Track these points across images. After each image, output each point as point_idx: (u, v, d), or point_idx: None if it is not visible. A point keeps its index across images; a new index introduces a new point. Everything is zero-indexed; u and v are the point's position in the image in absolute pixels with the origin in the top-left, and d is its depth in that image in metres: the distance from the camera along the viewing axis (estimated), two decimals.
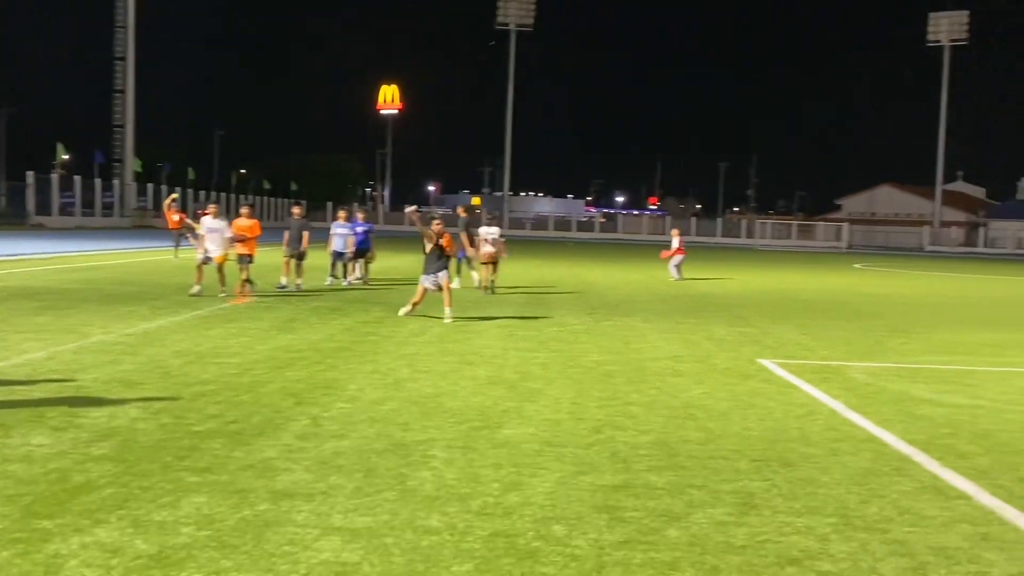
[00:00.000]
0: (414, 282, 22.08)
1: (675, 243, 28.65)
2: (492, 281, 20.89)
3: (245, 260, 17.38)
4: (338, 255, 21.51)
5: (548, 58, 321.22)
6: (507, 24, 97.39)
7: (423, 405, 8.46)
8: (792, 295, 24.56)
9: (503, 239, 21.95)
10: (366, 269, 22.36)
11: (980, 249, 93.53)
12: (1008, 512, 5.89)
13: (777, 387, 10.14)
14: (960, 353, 13.54)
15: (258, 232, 17.95)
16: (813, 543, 5.20)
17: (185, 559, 4.63)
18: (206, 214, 18.64)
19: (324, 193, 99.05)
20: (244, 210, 18.41)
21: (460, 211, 23.59)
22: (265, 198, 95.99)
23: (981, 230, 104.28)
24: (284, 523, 5.19)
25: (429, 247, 15.02)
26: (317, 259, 22.08)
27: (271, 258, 23.55)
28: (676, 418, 8.33)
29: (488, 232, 21.20)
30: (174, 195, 34.50)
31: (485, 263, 20.72)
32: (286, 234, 19.65)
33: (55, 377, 9.09)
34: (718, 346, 13.29)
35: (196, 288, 17.33)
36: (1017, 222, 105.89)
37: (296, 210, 20.86)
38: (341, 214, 22.51)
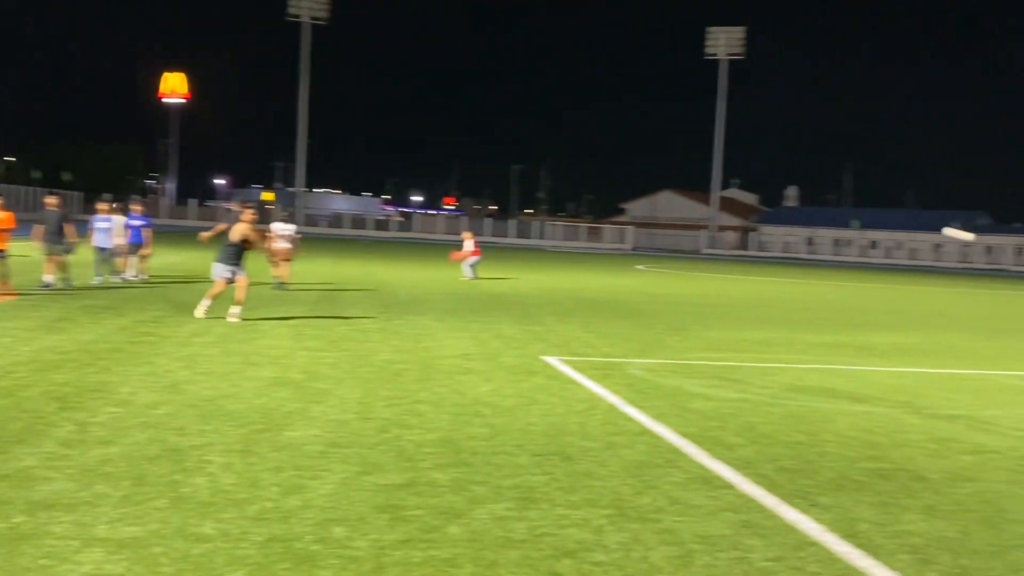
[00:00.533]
0: (197, 280, 21.42)
1: (468, 246, 28.91)
2: (282, 278, 20.53)
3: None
4: (101, 251, 19.99)
5: (345, 53, 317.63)
6: (299, 16, 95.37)
7: (202, 408, 8.13)
8: (579, 295, 25.30)
9: (299, 235, 21.67)
10: (143, 265, 21.23)
11: (751, 252, 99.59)
12: (768, 500, 6.26)
13: (560, 383, 10.40)
14: (730, 350, 14.35)
15: (12, 225, 16.80)
16: (589, 535, 5.35)
17: None
18: None
19: (102, 184, 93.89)
20: None
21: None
22: (35, 189, 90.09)
23: (752, 235, 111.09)
24: (42, 535, 4.85)
25: (236, 239, 14.51)
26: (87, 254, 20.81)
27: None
28: (463, 415, 8.39)
29: (282, 229, 20.90)
30: None
31: (278, 260, 20.34)
32: (40, 228, 18.14)
33: None
34: (506, 344, 13.51)
35: None
36: (784, 227, 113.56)
37: (51, 200, 18.93)
38: (102, 206, 20.91)
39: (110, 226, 19.82)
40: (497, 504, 5.82)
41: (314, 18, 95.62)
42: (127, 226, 20.28)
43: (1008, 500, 6.56)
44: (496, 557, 4.91)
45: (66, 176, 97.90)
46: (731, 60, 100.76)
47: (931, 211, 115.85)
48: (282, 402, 8.59)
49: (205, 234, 16.53)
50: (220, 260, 14.58)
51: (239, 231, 14.45)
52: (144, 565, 4.54)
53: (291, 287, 20.54)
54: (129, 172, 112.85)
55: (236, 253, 14.52)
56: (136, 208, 21.34)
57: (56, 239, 17.86)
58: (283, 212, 23.79)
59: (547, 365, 11.70)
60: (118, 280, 20.07)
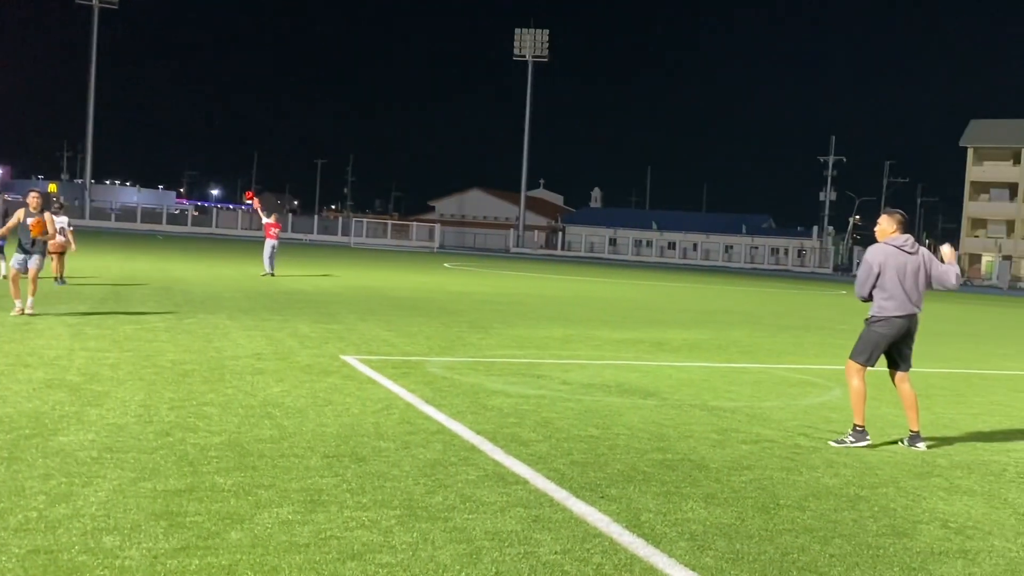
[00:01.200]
0: None
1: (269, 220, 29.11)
2: (61, 272, 19.53)
3: None
4: None
5: (135, 38, 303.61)
6: (89, 1, 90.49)
7: None
8: (382, 293, 25.14)
9: (71, 228, 20.65)
10: None
11: (558, 252, 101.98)
12: (559, 494, 6.36)
13: (357, 383, 10.27)
14: (532, 347, 14.60)
15: None
16: (377, 536, 5.28)
17: None
18: None
19: None
20: None
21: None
22: None
23: (560, 234, 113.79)
24: None
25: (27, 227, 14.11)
26: None
27: None
28: (252, 417, 8.14)
29: (55, 221, 19.78)
30: None
31: (54, 254, 19.30)
32: None
33: None
34: (302, 343, 13.24)
35: None
36: (589, 227, 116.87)
37: None
38: None
39: None
40: (283, 508, 5.66)
41: (103, 2, 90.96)
42: None
43: (781, 487, 6.94)
44: (279, 562, 4.77)
45: None
46: (537, 62, 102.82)
47: (722, 214, 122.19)
48: (55, 405, 8.07)
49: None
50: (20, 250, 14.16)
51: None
52: None
53: (69, 282, 19.56)
54: None
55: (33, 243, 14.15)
56: None
57: None
58: (56, 204, 22.41)
59: (344, 364, 11.54)
60: None
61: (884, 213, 8.81)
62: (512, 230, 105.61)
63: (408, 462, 6.97)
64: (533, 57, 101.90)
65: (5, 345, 11.16)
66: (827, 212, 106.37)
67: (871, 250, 8.64)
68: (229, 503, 5.68)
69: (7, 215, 18.99)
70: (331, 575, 4.66)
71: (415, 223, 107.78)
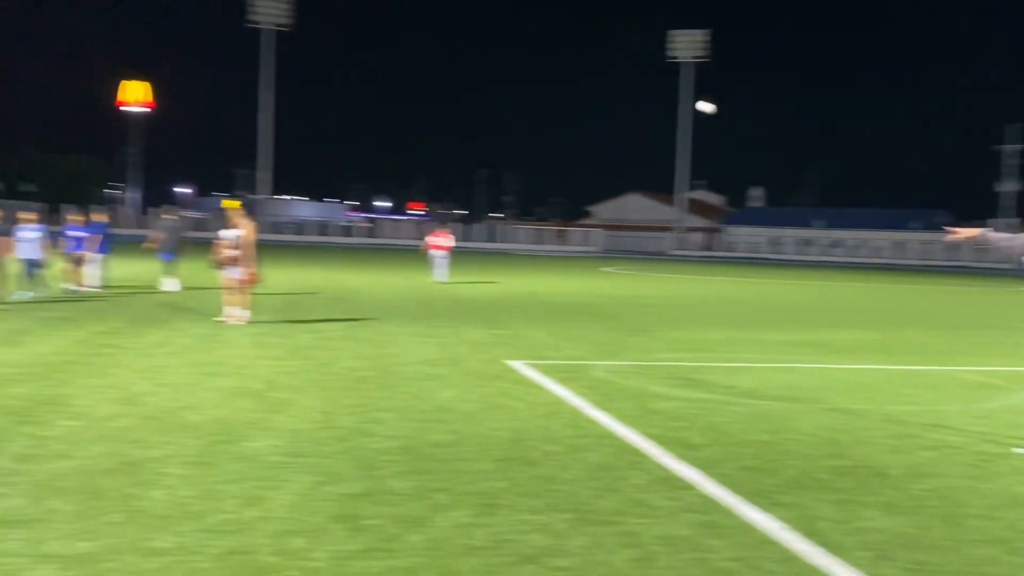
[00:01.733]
0: (152, 291, 21.25)
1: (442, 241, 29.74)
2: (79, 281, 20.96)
3: None
4: (29, 263, 18.62)
5: (308, 59, 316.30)
6: (259, 23, 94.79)
7: (161, 420, 8.03)
8: (545, 298, 25.30)
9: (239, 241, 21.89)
10: (78, 276, 20.52)
11: (718, 253, 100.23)
12: (730, 499, 6.26)
13: (525, 387, 10.37)
14: (694, 350, 14.39)
15: None
16: (550, 540, 5.32)
17: None
18: None
19: (62, 195, 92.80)
20: None
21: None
22: None
23: (719, 235, 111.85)
24: None
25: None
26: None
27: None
28: (425, 422, 8.34)
29: (229, 236, 21.04)
30: None
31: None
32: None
33: None
34: (471, 349, 13.47)
35: None
36: (750, 228, 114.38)
37: None
38: (26, 215, 19.44)
39: (39, 236, 18.72)
40: (458, 511, 5.77)
41: (277, 24, 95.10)
42: (64, 236, 20.07)
43: (967, 495, 6.61)
44: (457, 565, 4.87)
45: (27, 187, 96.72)
46: (695, 63, 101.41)
47: (892, 210, 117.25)
48: (242, 412, 8.49)
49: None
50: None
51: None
52: None
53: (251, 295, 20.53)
54: (89, 182, 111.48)
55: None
56: (75, 219, 21.01)
57: None
58: (230, 219, 23.98)
59: (511, 369, 11.67)
60: (71, 290, 19.78)
61: None
62: (671, 232, 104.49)
63: (577, 466, 6.99)
64: (691, 58, 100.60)
65: (195, 356, 11.81)
66: (1005, 204, 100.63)
67: None
68: (406, 506, 5.84)
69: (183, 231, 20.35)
70: None
71: (574, 228, 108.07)
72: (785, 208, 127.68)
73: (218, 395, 9.27)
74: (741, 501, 6.22)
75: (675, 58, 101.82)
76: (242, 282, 15.40)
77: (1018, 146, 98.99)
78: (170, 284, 22.01)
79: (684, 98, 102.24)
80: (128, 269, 26.75)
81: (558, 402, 9.58)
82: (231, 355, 11.96)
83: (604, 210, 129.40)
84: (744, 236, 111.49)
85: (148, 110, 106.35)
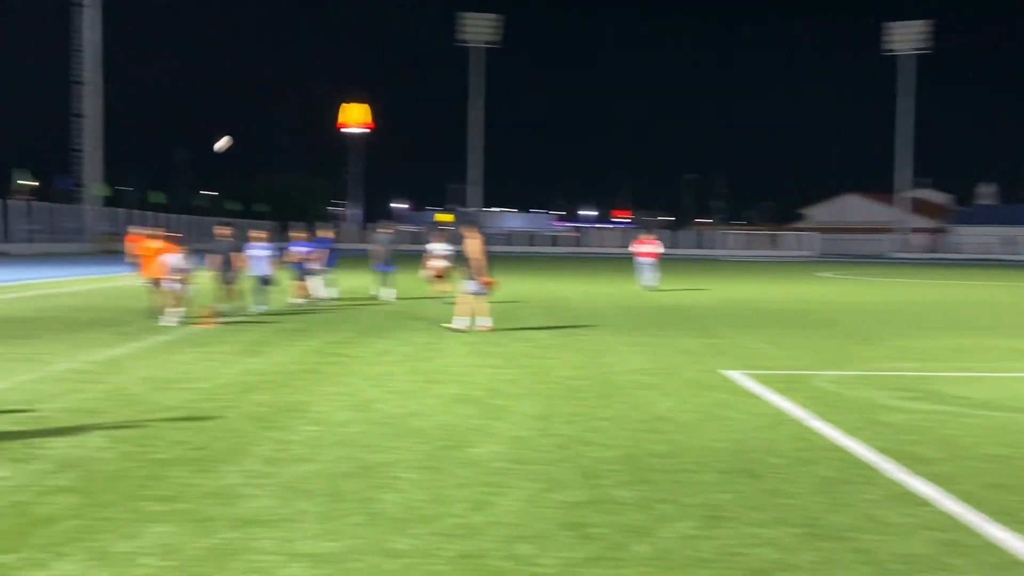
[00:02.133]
0: (374, 302, 22.24)
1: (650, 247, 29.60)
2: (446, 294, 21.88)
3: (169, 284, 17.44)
4: (260, 279, 19.62)
5: (513, 74, 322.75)
6: (468, 41, 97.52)
7: (390, 426, 8.42)
8: (758, 305, 24.71)
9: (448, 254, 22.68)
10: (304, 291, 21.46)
11: (944, 255, 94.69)
12: (971, 517, 5.93)
13: (743, 398, 10.18)
14: (921, 359, 13.69)
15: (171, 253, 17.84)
16: (780, 554, 5.21)
17: None
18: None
19: (290, 213, 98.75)
20: (151, 232, 18.53)
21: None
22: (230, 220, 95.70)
23: (945, 236, 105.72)
24: (248, 551, 5.14)
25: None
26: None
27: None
28: (643, 432, 8.34)
29: (436, 248, 22.14)
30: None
31: (436, 278, 21.82)
32: (215, 257, 18.81)
33: (16, 408, 8.96)
34: (684, 358, 13.34)
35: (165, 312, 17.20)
36: (980, 227, 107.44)
37: (223, 231, 19.54)
38: (257, 234, 20.58)
39: (268, 254, 19.73)
40: (683, 522, 5.75)
41: (486, 42, 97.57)
42: (290, 252, 21.27)
43: None
44: None
45: (260, 207, 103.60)
46: (914, 55, 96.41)
47: None
48: (465, 419, 8.77)
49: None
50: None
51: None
52: None
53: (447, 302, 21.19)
54: (315, 200, 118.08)
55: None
56: (299, 235, 22.11)
57: (227, 268, 18.48)
58: (436, 233, 25.36)
59: (728, 379, 11.48)
60: (296, 304, 20.89)
61: None
62: (892, 234, 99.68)
63: (804, 479, 6.81)
64: (910, 50, 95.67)
65: (419, 364, 12.29)
66: None
67: None
68: (630, 516, 5.87)
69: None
70: None
71: (788, 232, 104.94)
72: (1020, 205, 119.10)
73: (441, 402, 9.62)
74: (985, 519, 5.87)
75: (892, 51, 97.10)
76: (480, 290, 16.07)
77: None
78: (386, 294, 23.12)
79: (903, 92, 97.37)
80: (351, 281, 28.09)
81: (779, 413, 9.34)
82: (451, 363, 12.37)
83: (819, 212, 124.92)
84: (974, 236, 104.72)
85: (367, 131, 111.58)
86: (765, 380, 11.32)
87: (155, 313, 17.31)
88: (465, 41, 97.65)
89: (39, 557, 4.98)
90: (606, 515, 5.88)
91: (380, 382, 10.80)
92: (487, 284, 16.29)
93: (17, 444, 7.45)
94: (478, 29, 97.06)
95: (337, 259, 23.00)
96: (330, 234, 23.62)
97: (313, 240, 22.21)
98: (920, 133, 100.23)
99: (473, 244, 16.06)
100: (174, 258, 17.01)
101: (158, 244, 17.85)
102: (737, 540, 5.43)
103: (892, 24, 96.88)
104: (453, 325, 16.13)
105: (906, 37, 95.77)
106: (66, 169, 72.25)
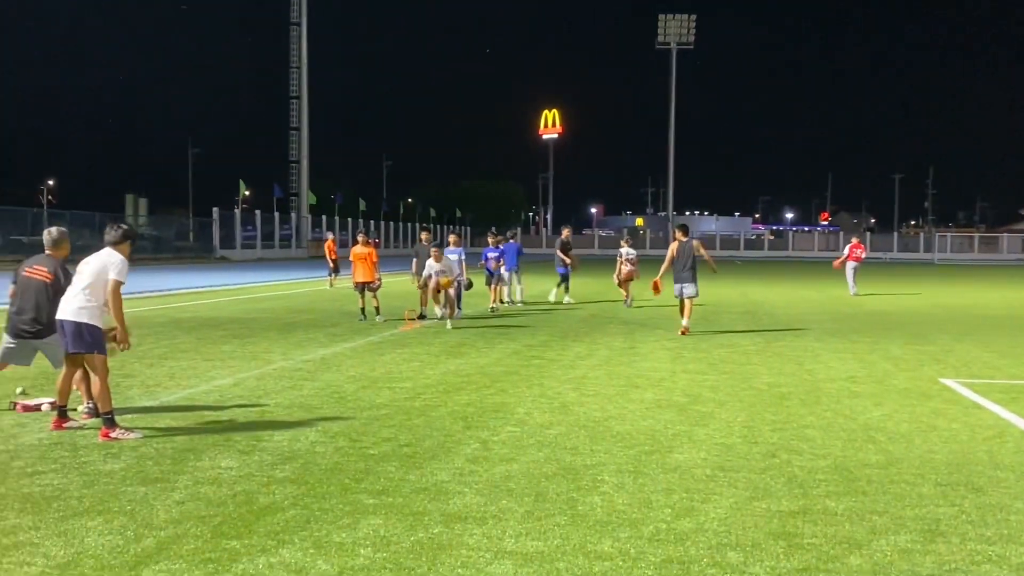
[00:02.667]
0: (561, 306, 22.35)
1: (854, 252, 28.56)
2: (630, 297, 22.51)
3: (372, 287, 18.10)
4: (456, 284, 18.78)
5: (705, 75, 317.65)
6: (668, 44, 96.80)
7: (591, 429, 8.44)
8: (975, 311, 23.30)
9: (636, 258, 22.61)
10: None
11: None
12: None
13: (962, 407, 9.61)
14: None
15: (375, 259, 18.43)
16: (1007, 572, 4.89)
17: None
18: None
19: (488, 218, 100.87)
20: (360, 237, 19.04)
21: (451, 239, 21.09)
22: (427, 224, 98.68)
23: None
24: (457, 546, 5.27)
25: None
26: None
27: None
28: (854, 441, 8.01)
29: (626, 253, 22.38)
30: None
31: (624, 281, 22.06)
32: (414, 262, 19.29)
33: (240, 402, 9.55)
34: (896, 365, 12.73)
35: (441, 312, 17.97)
36: None
37: (424, 236, 19.88)
38: (452, 238, 20.78)
39: (458, 258, 19.22)
40: (900, 535, 5.48)
41: (680, 43, 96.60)
42: (484, 258, 21.61)
43: None
44: None
45: (458, 213, 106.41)
46: None
47: None
48: (667, 424, 8.69)
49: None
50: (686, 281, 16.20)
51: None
52: None
53: (664, 310, 20.84)
54: (512, 206, 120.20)
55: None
56: (494, 240, 22.40)
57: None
58: (625, 237, 25.66)
59: (945, 388, 10.87)
60: (493, 308, 21.05)
61: None
62: None
63: None
64: None
65: (617, 368, 12.27)
66: None
67: None
68: (844, 527, 5.64)
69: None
70: None
71: (1006, 233, 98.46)
72: None
73: (642, 406, 9.56)
74: None
75: None
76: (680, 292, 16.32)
77: None
78: (556, 296, 23.82)
79: None
80: (542, 286, 28.39)
81: (1002, 425, 8.77)
82: (650, 368, 12.28)
83: None
84: None
85: (557, 136, 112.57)
86: (986, 390, 10.65)
87: (364, 315, 18.11)
88: (665, 44, 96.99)
89: (263, 543, 5.28)
90: (817, 526, 5.68)
91: (579, 385, 10.85)
92: (653, 288, 17.08)
93: (242, 436, 7.94)
94: (674, 30, 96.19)
95: (519, 262, 22.93)
96: (516, 239, 23.99)
97: (501, 245, 22.49)
98: None
99: (679, 247, 16.30)
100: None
101: (364, 249, 18.54)
102: (960, 556, 5.13)
103: None
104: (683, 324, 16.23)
105: None
106: (282, 180, 76.54)
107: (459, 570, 4.91)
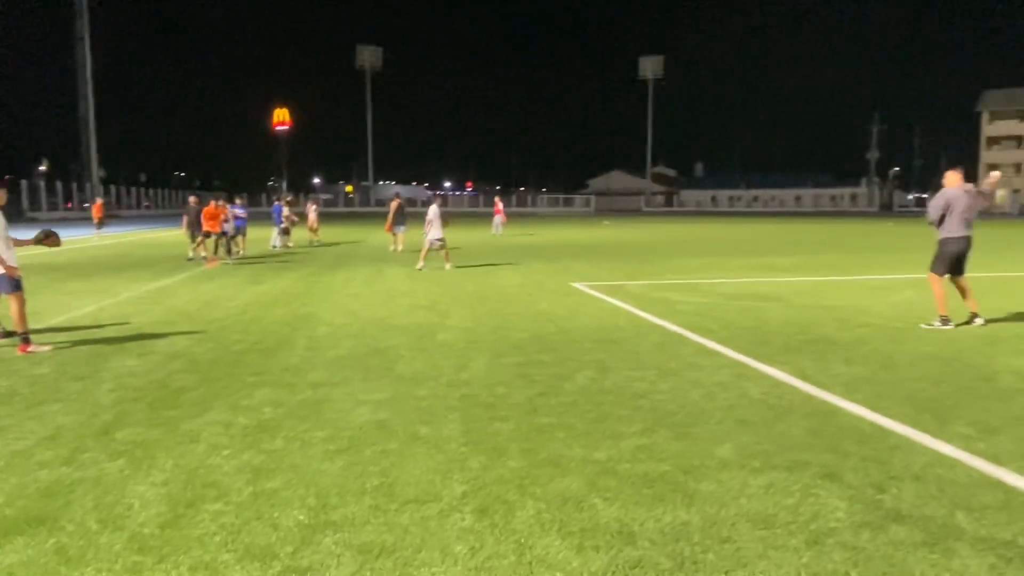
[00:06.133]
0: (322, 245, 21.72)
1: (499, 210, 29.78)
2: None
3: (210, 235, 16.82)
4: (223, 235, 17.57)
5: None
6: (363, 66, 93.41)
7: (378, 324, 8.63)
8: (572, 243, 25.61)
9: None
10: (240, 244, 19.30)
11: (676, 208, 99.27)
12: (747, 360, 6.71)
13: (590, 299, 10.82)
14: (684, 272, 14.76)
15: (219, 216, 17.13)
16: (645, 386, 5.84)
17: (276, 427, 4.80)
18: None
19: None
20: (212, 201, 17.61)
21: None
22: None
23: (676, 196, 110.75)
24: (328, 400, 5.39)
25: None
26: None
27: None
28: (538, 321, 8.82)
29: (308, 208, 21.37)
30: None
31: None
32: (185, 218, 17.86)
33: (113, 322, 8.69)
34: (543, 276, 13.94)
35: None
36: (696, 191, 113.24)
37: (192, 199, 17.96)
38: (239, 200, 19.67)
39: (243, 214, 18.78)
40: (587, 371, 6.27)
41: (374, 69, 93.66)
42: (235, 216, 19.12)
43: (894, 354, 7.01)
44: (601, 399, 5.43)
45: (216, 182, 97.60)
46: (655, 80, 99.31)
47: (793, 173, 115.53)
48: (425, 318, 9.05)
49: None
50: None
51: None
52: (398, 414, 5.08)
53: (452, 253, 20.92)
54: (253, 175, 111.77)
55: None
56: (239, 202, 20.12)
57: (196, 228, 17.37)
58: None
59: (575, 289, 12.14)
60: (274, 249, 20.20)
61: (950, 170, 8.57)
62: (642, 196, 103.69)
63: (644, 343, 7.48)
64: (652, 76, 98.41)
65: (375, 285, 12.35)
66: (872, 167, 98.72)
67: (943, 192, 8.44)
68: (553, 369, 6.34)
69: None
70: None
71: (577, 196, 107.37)
72: (719, 175, 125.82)
73: (403, 309, 9.84)
74: (754, 360, 6.68)
75: (643, 77, 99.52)
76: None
77: (882, 126, 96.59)
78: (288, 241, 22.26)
79: (650, 97, 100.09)
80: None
81: (615, 307, 10.03)
82: (396, 285, 12.54)
83: (596, 183, 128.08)
84: (693, 196, 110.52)
85: (287, 127, 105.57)
86: (598, 288, 12.04)
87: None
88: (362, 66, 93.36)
89: (192, 412, 5.09)
90: (538, 369, 6.36)
91: (356, 298, 10.90)
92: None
93: (131, 344, 7.32)
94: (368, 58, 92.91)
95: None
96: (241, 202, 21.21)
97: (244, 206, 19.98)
98: (657, 124, 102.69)
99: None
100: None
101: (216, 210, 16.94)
102: (623, 380, 6.04)
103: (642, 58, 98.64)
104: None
105: (651, 69, 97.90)
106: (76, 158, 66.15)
107: (337, 415, 5.06)
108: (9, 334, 7.30)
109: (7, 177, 60.84)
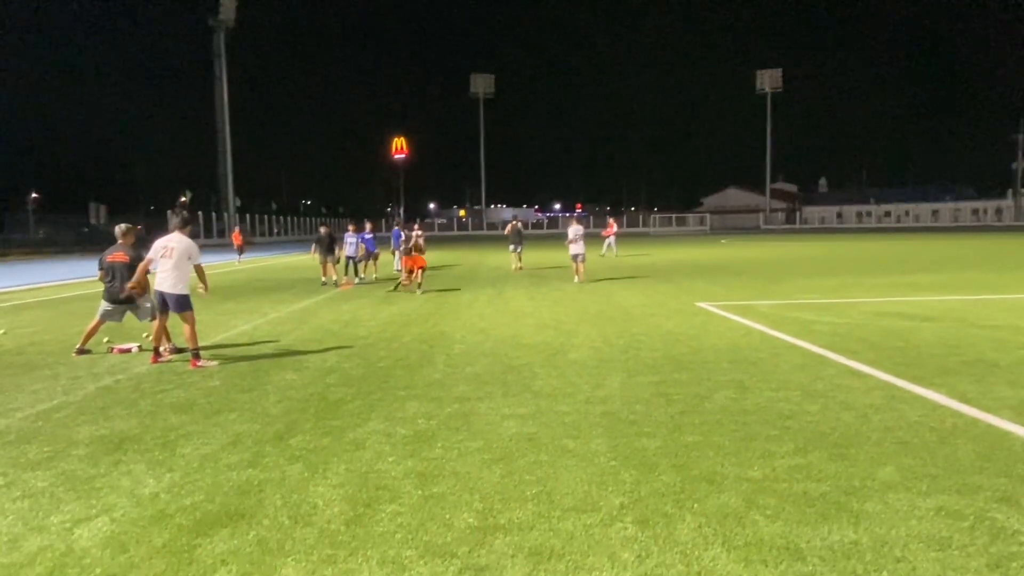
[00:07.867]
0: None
1: (611, 229, 29.72)
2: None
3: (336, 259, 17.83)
4: (348, 259, 18.84)
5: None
6: (476, 94, 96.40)
7: (508, 342, 8.89)
8: (690, 263, 25.20)
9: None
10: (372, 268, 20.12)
11: (797, 226, 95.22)
12: (899, 382, 6.45)
13: (718, 319, 10.66)
14: (819, 291, 14.21)
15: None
16: (791, 407, 5.75)
17: (432, 436, 5.11)
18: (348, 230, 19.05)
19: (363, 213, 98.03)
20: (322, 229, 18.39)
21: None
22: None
23: (796, 213, 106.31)
24: (476, 413, 5.66)
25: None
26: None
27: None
28: (668, 341, 8.81)
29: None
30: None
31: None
32: (313, 246, 18.25)
33: (266, 340, 9.43)
34: (665, 296, 13.83)
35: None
36: (819, 207, 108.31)
37: (323, 229, 18.42)
38: (352, 226, 19.78)
39: (354, 241, 19.09)
40: (726, 391, 6.24)
41: (486, 94, 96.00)
42: (361, 240, 19.70)
43: None
44: (722, 418, 5.40)
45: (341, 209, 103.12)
46: (774, 93, 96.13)
47: (927, 185, 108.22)
48: (552, 337, 9.23)
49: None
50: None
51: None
52: (544, 427, 5.26)
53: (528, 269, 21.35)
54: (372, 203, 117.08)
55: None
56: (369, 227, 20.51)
57: (328, 252, 17.68)
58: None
59: (701, 309, 12.00)
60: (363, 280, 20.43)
61: None
62: (760, 213, 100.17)
63: (784, 364, 7.31)
64: (771, 89, 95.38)
65: (500, 306, 12.70)
66: (1018, 178, 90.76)
67: None
68: (691, 388, 6.35)
69: None
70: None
71: (691, 214, 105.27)
72: (845, 190, 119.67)
73: (530, 328, 10.08)
74: (908, 383, 6.40)
75: (762, 90, 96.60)
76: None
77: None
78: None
79: (769, 111, 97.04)
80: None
81: (746, 327, 9.82)
82: (519, 305, 12.83)
83: (711, 200, 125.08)
84: (816, 213, 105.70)
85: (403, 156, 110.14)
86: (724, 308, 11.83)
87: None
88: (475, 94, 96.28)
89: (354, 422, 5.49)
90: (677, 388, 6.38)
91: (483, 317, 11.26)
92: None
93: (287, 360, 7.94)
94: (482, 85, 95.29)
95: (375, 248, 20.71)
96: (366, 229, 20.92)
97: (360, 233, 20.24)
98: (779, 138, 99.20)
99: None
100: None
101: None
102: (765, 400, 5.96)
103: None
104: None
105: (769, 80, 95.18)
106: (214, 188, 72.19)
107: (486, 427, 5.32)
108: (180, 350, 8.11)
109: (182, 200, 66.92)
